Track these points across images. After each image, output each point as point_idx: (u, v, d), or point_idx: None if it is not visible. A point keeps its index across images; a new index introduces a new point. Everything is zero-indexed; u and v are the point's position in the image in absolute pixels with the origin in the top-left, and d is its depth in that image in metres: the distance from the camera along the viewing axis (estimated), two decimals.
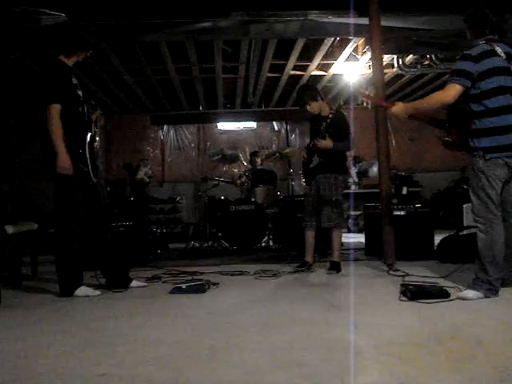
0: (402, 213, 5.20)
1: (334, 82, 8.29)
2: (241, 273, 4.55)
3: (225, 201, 6.80)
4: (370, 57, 5.90)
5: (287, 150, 7.06)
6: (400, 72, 7.16)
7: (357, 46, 6.57)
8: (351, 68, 7.29)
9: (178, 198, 9.69)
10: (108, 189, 8.00)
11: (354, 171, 8.72)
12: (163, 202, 9.57)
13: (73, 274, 3.66)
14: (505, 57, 3.11)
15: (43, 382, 1.93)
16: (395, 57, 6.84)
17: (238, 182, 7.10)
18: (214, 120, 10.28)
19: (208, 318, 2.92)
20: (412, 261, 4.76)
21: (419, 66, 6.96)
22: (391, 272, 4.25)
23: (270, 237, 6.50)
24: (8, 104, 8.68)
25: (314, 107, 4.49)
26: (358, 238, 6.78)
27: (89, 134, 3.65)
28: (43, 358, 2.21)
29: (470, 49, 3.14)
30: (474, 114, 3.16)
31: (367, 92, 3.53)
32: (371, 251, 5.37)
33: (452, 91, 3.12)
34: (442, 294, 3.10)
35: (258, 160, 7.49)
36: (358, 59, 6.88)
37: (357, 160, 8.70)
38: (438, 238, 5.09)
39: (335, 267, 4.40)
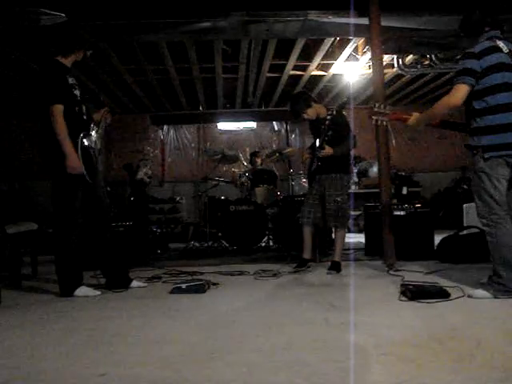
0: (402, 213, 5.20)
1: (333, 82, 8.29)
2: (241, 273, 4.55)
3: (225, 201, 6.80)
4: (370, 57, 5.90)
5: (287, 150, 7.06)
6: (400, 72, 7.16)
7: (357, 45, 6.57)
8: (351, 68, 7.29)
9: (177, 198, 9.69)
10: (108, 189, 7.97)
11: (354, 171, 8.72)
12: (163, 201, 9.57)
13: (72, 274, 3.66)
14: (507, 52, 3.05)
15: (43, 381, 1.93)
16: (395, 57, 6.83)
17: (238, 181, 7.10)
18: (214, 120, 10.28)
19: (208, 318, 2.92)
20: (412, 261, 4.77)
21: (419, 66, 6.96)
22: (391, 272, 4.25)
23: (270, 237, 6.50)
24: (8, 104, 8.68)
25: (310, 114, 4.48)
26: (358, 238, 6.78)
27: (81, 134, 3.62)
28: (43, 358, 2.21)
29: (472, 47, 3.10)
30: (475, 111, 3.10)
31: (382, 110, 3.44)
32: (371, 251, 5.37)
33: (459, 92, 3.07)
34: (442, 294, 3.10)
35: (259, 160, 7.49)
36: (358, 59, 6.88)
37: (357, 160, 8.70)
38: (438, 238, 5.09)
39: (335, 267, 4.40)
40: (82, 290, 3.64)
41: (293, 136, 10.53)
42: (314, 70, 7.54)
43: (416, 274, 4.12)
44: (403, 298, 3.15)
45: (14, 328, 2.80)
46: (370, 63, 6.04)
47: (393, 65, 7.15)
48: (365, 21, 4.78)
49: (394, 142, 10.03)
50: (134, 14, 5.04)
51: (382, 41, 4.77)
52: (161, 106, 9.57)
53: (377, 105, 3.47)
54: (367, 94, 8.97)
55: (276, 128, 10.55)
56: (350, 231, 8.23)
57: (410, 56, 6.76)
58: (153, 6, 4.98)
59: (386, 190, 4.67)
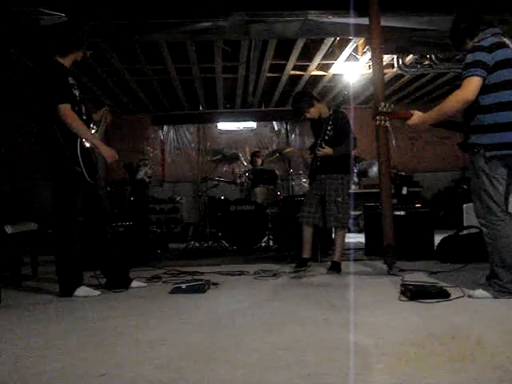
0: (402, 213, 5.20)
1: (333, 82, 8.29)
2: (241, 273, 4.55)
3: (225, 201, 6.80)
4: (369, 57, 5.90)
5: (287, 150, 7.06)
6: (400, 72, 7.16)
7: (357, 45, 6.57)
8: (351, 68, 7.29)
9: (177, 198, 9.70)
10: (108, 189, 7.99)
11: (354, 171, 8.72)
12: (163, 201, 9.57)
13: (73, 274, 3.67)
14: None
15: (43, 382, 1.93)
16: (395, 57, 6.83)
17: (238, 181, 7.10)
18: (214, 120, 10.28)
19: (208, 317, 2.92)
20: (412, 261, 4.77)
21: (419, 66, 6.96)
22: (391, 272, 4.25)
23: (270, 237, 6.50)
24: (8, 104, 8.68)
25: (312, 113, 4.47)
26: (358, 238, 6.79)
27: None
28: (43, 358, 2.21)
29: (479, 42, 3.01)
30: (478, 107, 2.99)
31: (387, 110, 3.22)
32: (371, 251, 5.37)
33: (471, 86, 2.93)
34: (441, 294, 3.10)
35: (259, 160, 7.49)
36: (358, 59, 6.89)
37: (357, 160, 8.70)
38: (438, 238, 5.09)
39: (335, 267, 4.40)
40: (82, 290, 3.65)
41: (293, 136, 10.53)
42: (313, 70, 7.54)
43: (416, 273, 4.12)
44: (403, 298, 3.15)
45: (14, 328, 2.80)
46: (370, 63, 6.04)
47: (393, 65, 7.15)
48: (365, 21, 4.78)
49: (394, 142, 10.01)
50: (134, 13, 5.04)
51: (381, 41, 4.76)
52: (161, 105, 9.57)
53: (382, 104, 3.29)
54: (367, 94, 8.98)
55: (276, 128, 10.54)
56: (350, 231, 8.23)
57: (410, 56, 6.76)
58: (153, 5, 4.98)
59: (386, 190, 4.66)
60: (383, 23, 4.79)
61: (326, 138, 4.35)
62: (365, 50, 6.54)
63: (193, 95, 8.93)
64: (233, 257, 5.86)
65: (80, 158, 3.54)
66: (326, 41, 6.20)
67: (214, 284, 3.91)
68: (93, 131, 3.77)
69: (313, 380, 1.84)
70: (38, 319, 3.00)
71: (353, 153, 4.57)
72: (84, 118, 3.70)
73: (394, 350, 2.15)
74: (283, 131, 10.52)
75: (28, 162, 8.81)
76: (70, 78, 3.65)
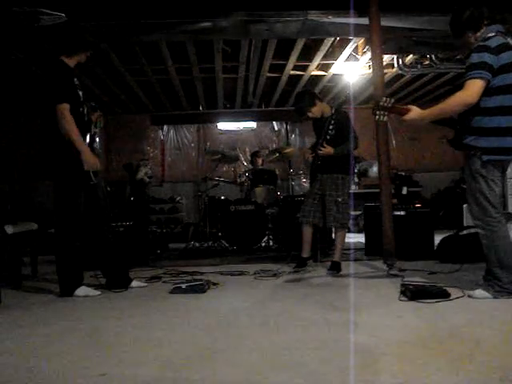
0: (402, 213, 5.20)
1: (333, 82, 8.29)
2: (241, 273, 4.55)
3: (225, 201, 6.80)
4: (370, 57, 5.89)
5: (287, 150, 7.06)
6: (400, 72, 7.15)
7: (357, 45, 6.57)
8: (351, 68, 7.29)
9: (177, 198, 9.69)
10: (108, 189, 7.99)
11: (354, 171, 8.72)
12: (163, 201, 9.57)
13: (73, 273, 3.67)
14: None
15: (43, 382, 1.93)
16: (395, 57, 6.83)
17: (238, 181, 7.10)
18: (214, 120, 10.27)
19: (208, 317, 2.92)
20: (412, 261, 4.77)
21: (419, 66, 6.96)
22: (391, 272, 4.25)
23: (270, 237, 6.50)
24: (8, 104, 8.68)
25: (315, 112, 4.46)
26: (358, 238, 6.79)
27: (88, 135, 3.67)
28: (43, 358, 2.21)
29: (484, 41, 2.94)
30: (478, 109, 2.94)
31: (386, 105, 3.10)
32: (371, 251, 5.37)
33: (474, 88, 2.86)
34: (442, 294, 3.10)
35: (260, 160, 7.49)
36: (358, 59, 6.88)
37: (357, 160, 8.70)
38: (438, 238, 5.09)
39: (335, 267, 4.40)
40: (82, 290, 3.65)
41: (293, 136, 10.53)
42: (314, 70, 7.54)
43: (416, 273, 4.12)
44: (403, 298, 3.15)
45: (14, 328, 2.80)
46: (370, 63, 6.04)
47: (393, 65, 7.15)
48: (365, 21, 4.78)
49: (394, 142, 9.96)
50: (134, 14, 5.04)
51: (382, 41, 4.76)
52: (161, 105, 9.57)
53: (383, 99, 3.18)
54: (367, 94, 8.98)
55: (276, 128, 10.54)
56: (350, 231, 8.24)
57: (410, 56, 6.76)
58: (153, 5, 4.98)
59: (386, 189, 4.66)
60: (383, 23, 4.79)
61: (328, 137, 4.34)
62: (365, 49, 6.53)
63: (193, 95, 8.93)
64: (233, 257, 5.85)
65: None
66: (325, 41, 6.20)
67: (214, 284, 3.91)
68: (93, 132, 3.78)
69: (313, 380, 1.84)
70: (37, 319, 3.00)
71: (353, 153, 4.56)
72: (86, 119, 3.71)
73: (393, 350, 2.15)
74: (283, 131, 10.52)
75: (28, 162, 8.80)
76: (75, 79, 3.67)
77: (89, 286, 3.76)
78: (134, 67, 7.14)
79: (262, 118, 10.25)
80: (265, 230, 6.36)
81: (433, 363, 1.97)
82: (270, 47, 6.31)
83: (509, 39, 2.99)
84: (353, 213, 8.08)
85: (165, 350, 2.29)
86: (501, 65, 2.90)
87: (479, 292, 3.07)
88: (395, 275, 4.09)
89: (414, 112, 3.08)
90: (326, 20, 5.19)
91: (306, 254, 4.56)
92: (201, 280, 3.92)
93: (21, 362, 2.18)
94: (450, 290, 3.19)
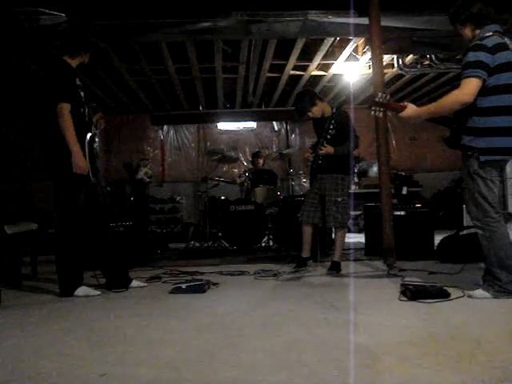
0: (402, 213, 5.20)
1: (333, 82, 8.29)
2: (241, 273, 4.55)
3: (225, 201, 6.80)
4: (370, 57, 5.89)
5: (288, 151, 7.06)
6: (400, 72, 7.16)
7: (357, 45, 6.57)
8: (351, 68, 7.29)
9: (177, 198, 9.70)
10: (108, 189, 7.99)
11: (354, 171, 8.72)
12: (163, 201, 9.57)
13: (73, 273, 3.67)
14: None
15: (43, 382, 1.93)
16: (395, 57, 6.83)
17: (238, 180, 7.10)
18: (214, 120, 10.27)
19: (208, 317, 2.92)
20: (412, 261, 4.77)
21: (419, 66, 6.96)
22: (391, 272, 4.25)
23: (270, 237, 6.50)
24: (8, 104, 8.68)
25: (315, 112, 4.45)
26: (358, 238, 6.79)
27: (88, 135, 3.67)
28: (43, 358, 2.21)
29: (481, 40, 2.92)
30: (475, 109, 2.93)
31: (382, 100, 3.08)
32: (371, 251, 5.37)
33: (470, 87, 2.85)
34: (442, 294, 3.10)
35: (260, 161, 7.48)
36: (358, 59, 6.88)
37: (357, 160, 8.70)
38: (438, 238, 5.09)
39: (335, 267, 4.40)
40: (82, 290, 3.65)
41: (293, 136, 10.53)
42: (314, 70, 7.54)
43: (416, 273, 4.12)
44: (403, 298, 3.15)
45: (14, 328, 2.80)
46: (370, 63, 6.04)
47: (393, 65, 7.16)
48: (365, 21, 4.78)
49: (394, 141, 9.96)
50: (134, 14, 5.04)
51: (382, 41, 4.76)
52: (161, 105, 9.57)
53: (379, 95, 3.17)
54: (367, 94, 8.98)
55: (276, 128, 10.54)
56: (350, 231, 8.25)
57: (410, 56, 6.76)
58: (153, 5, 4.98)
59: (386, 189, 4.66)
60: (383, 23, 4.79)
61: (328, 137, 4.34)
62: (365, 49, 6.54)
63: (193, 95, 8.93)
64: (233, 257, 5.85)
65: (87, 157, 3.56)
66: (325, 41, 6.20)
67: (214, 284, 3.91)
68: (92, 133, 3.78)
69: (313, 380, 1.84)
70: (37, 319, 3.00)
71: (353, 153, 4.56)
72: (86, 119, 3.72)
73: (393, 350, 2.15)
74: (283, 131, 10.52)
75: (28, 162, 8.80)
76: (77, 79, 3.68)
77: (89, 286, 3.76)
78: (134, 67, 7.14)
79: (261, 118, 10.24)
80: (265, 230, 6.36)
81: (433, 363, 1.97)
82: (270, 47, 6.31)
83: (506, 39, 2.98)
84: (353, 213, 8.08)
85: (165, 349, 2.29)
86: (497, 64, 2.88)
87: (479, 292, 3.07)
88: (395, 275, 4.09)
89: (410, 109, 3.08)
90: (325, 20, 5.19)
91: (305, 253, 4.56)
92: (201, 280, 3.92)
93: (21, 362, 2.17)
94: (449, 290, 3.19)
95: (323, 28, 5.31)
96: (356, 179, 8.73)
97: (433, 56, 6.65)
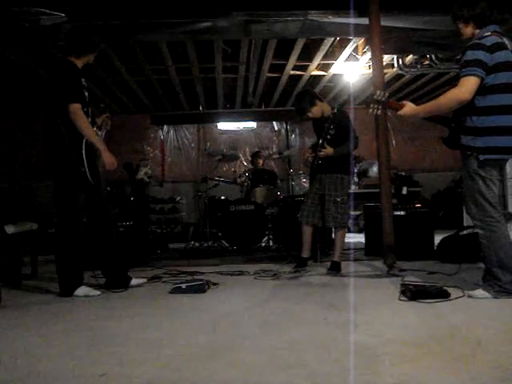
0: (402, 213, 5.20)
1: (333, 82, 8.28)
2: (241, 273, 4.55)
3: (225, 201, 6.80)
4: (370, 57, 5.89)
5: (288, 152, 7.06)
6: (400, 72, 7.15)
7: (357, 46, 6.56)
8: (351, 68, 7.29)
9: (178, 198, 9.69)
10: (108, 189, 7.97)
11: (354, 171, 8.71)
12: (163, 201, 9.56)
13: (73, 273, 3.67)
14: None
15: (43, 381, 1.93)
16: (395, 57, 6.82)
17: (239, 180, 7.10)
18: (214, 120, 10.27)
19: (208, 318, 2.92)
20: (412, 261, 4.77)
21: (419, 66, 6.95)
22: (391, 272, 4.25)
23: (270, 237, 6.50)
24: (8, 104, 8.68)
25: (315, 112, 4.45)
26: (358, 238, 6.78)
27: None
28: (43, 358, 2.21)
29: (480, 39, 2.94)
30: (474, 109, 2.93)
31: (380, 98, 3.10)
32: (371, 251, 5.37)
33: (469, 85, 2.86)
34: (442, 294, 3.10)
35: (260, 161, 7.48)
36: (358, 59, 6.88)
37: (357, 160, 8.70)
38: (438, 238, 5.09)
39: (335, 267, 4.40)
40: (81, 290, 3.65)
41: (293, 136, 10.52)
42: (314, 70, 7.53)
43: (416, 273, 4.12)
44: (403, 298, 3.15)
45: (14, 328, 2.80)
46: (370, 63, 6.04)
47: (393, 65, 7.15)
48: (365, 21, 4.78)
49: (394, 141, 9.97)
50: (134, 14, 5.04)
51: (382, 41, 4.76)
52: (161, 105, 9.57)
53: (377, 93, 3.18)
54: (367, 94, 8.98)
55: (276, 128, 10.54)
56: (350, 231, 8.25)
57: (410, 56, 6.76)
58: (152, 5, 4.98)
59: (386, 189, 4.66)
60: (383, 23, 4.79)
61: (328, 137, 4.34)
62: (365, 49, 6.53)
63: (193, 95, 8.93)
64: (233, 257, 5.85)
65: (84, 158, 3.56)
66: (325, 41, 6.19)
67: (214, 284, 3.91)
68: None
69: (313, 380, 1.84)
70: (37, 319, 3.00)
71: (353, 153, 4.56)
72: (89, 120, 3.72)
73: (394, 350, 2.15)
74: (283, 131, 10.52)
75: (28, 162, 8.80)
76: (82, 80, 3.69)
77: (89, 285, 3.76)
78: (134, 67, 7.14)
79: (261, 118, 10.24)
80: (265, 230, 6.36)
81: (433, 363, 1.97)
82: (270, 47, 6.31)
83: (505, 39, 2.99)
84: (353, 213, 8.08)
85: (165, 349, 2.29)
86: (495, 63, 2.89)
87: (479, 292, 3.07)
88: (395, 275, 4.09)
89: (409, 107, 3.10)
90: (325, 20, 5.19)
91: (305, 253, 4.56)
92: (201, 280, 3.92)
93: (21, 362, 2.17)
94: (449, 290, 3.19)
95: (323, 28, 5.31)
96: (356, 179, 8.72)
97: (433, 56, 6.64)
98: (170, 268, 4.86)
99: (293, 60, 6.92)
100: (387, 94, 3.17)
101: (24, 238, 4.44)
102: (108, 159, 3.65)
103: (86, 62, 3.76)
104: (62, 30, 4.89)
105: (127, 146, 10.08)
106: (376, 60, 4.72)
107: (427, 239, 5.15)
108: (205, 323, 2.78)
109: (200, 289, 3.67)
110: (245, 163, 9.99)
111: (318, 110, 4.45)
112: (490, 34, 2.97)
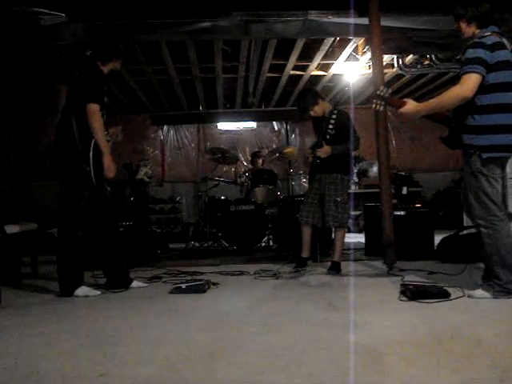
0: (402, 213, 5.20)
1: (333, 82, 8.29)
2: (241, 273, 4.55)
3: (225, 201, 6.80)
4: (370, 57, 5.89)
5: (287, 150, 7.04)
6: (400, 72, 7.15)
7: (357, 45, 6.57)
8: (351, 68, 7.29)
9: (177, 198, 9.69)
10: (108, 189, 7.96)
11: (354, 171, 8.71)
12: (163, 201, 9.57)
13: (73, 274, 3.67)
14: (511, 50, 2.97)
15: (43, 382, 1.93)
16: (395, 57, 6.83)
17: (239, 180, 7.09)
18: (214, 120, 10.27)
19: (208, 318, 2.92)
20: (412, 261, 4.76)
21: (419, 66, 6.95)
22: (391, 272, 4.25)
23: (270, 237, 6.50)
24: (8, 104, 8.68)
25: (317, 111, 4.46)
26: (358, 238, 6.78)
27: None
28: (43, 358, 2.21)
29: (480, 38, 2.96)
30: (475, 107, 2.95)
31: (383, 94, 3.20)
32: (371, 251, 5.37)
33: (470, 83, 2.87)
34: (442, 294, 3.10)
35: (260, 161, 7.48)
36: (358, 59, 6.88)
37: (357, 160, 8.70)
38: (438, 238, 5.09)
39: (335, 267, 4.40)
40: (81, 290, 3.65)
41: (293, 136, 10.53)
42: (314, 70, 7.54)
43: (416, 273, 4.12)
44: (403, 298, 3.15)
45: (14, 328, 2.80)
46: (370, 63, 6.04)
47: (393, 65, 7.15)
48: (365, 21, 4.78)
49: (394, 141, 9.96)
50: (134, 13, 5.04)
51: (382, 41, 4.76)
52: (161, 106, 9.57)
53: (381, 88, 3.22)
54: (367, 94, 8.98)
55: (276, 128, 10.54)
56: (350, 231, 8.25)
57: (410, 56, 6.76)
58: (153, 5, 4.98)
59: (386, 189, 4.66)
60: (383, 23, 4.79)
61: (328, 136, 4.34)
62: (365, 49, 6.53)
63: (193, 95, 8.93)
64: (233, 257, 5.85)
65: (91, 158, 3.57)
66: (325, 41, 6.20)
67: (214, 284, 3.91)
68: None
69: (313, 380, 1.84)
70: (37, 319, 3.00)
71: (353, 153, 4.56)
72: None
73: (393, 350, 2.15)
74: (283, 131, 10.52)
75: (28, 162, 8.80)
76: (105, 86, 3.74)
77: (89, 286, 3.76)
78: (134, 67, 7.14)
79: (261, 118, 10.24)
80: (265, 230, 6.36)
81: (433, 363, 1.97)
82: (270, 47, 6.31)
83: (504, 39, 3.02)
84: (353, 213, 8.09)
85: (165, 349, 2.29)
86: (495, 62, 2.91)
87: (479, 292, 3.06)
88: (395, 275, 4.09)
89: (410, 105, 3.12)
90: (325, 20, 5.19)
91: (305, 253, 4.56)
92: (201, 280, 3.92)
93: (20, 361, 2.17)
94: (450, 289, 3.19)
95: (323, 28, 5.31)
96: (356, 179, 8.72)
97: (433, 56, 6.64)
98: (170, 268, 4.86)
99: (293, 60, 6.92)
100: (390, 91, 3.21)
101: (24, 237, 4.43)
102: (108, 165, 3.64)
103: (111, 69, 3.83)
104: (61, 30, 4.90)
105: (127, 146, 10.07)
106: (376, 60, 4.72)
107: (427, 239, 5.15)
108: (205, 323, 2.78)
109: (200, 289, 3.67)
110: (245, 163, 9.99)
111: (320, 108, 4.46)
112: (489, 33, 2.99)
